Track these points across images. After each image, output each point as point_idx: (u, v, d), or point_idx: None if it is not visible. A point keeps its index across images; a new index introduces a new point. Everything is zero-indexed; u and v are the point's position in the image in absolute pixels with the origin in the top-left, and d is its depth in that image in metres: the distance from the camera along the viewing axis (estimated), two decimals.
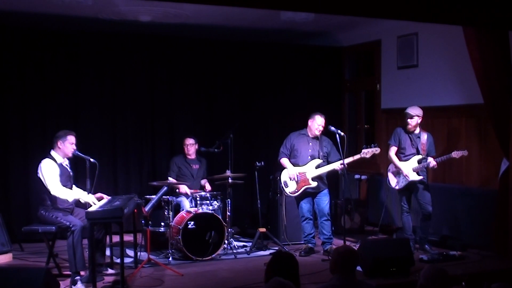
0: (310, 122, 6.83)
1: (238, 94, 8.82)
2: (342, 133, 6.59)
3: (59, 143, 5.77)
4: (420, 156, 6.76)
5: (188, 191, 7.21)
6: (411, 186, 6.86)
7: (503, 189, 6.63)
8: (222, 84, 8.69)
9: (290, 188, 6.88)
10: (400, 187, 6.91)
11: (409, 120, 6.78)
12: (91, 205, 5.65)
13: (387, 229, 7.84)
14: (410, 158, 6.82)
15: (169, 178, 7.24)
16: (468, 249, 6.87)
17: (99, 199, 5.92)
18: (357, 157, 6.72)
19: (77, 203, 5.88)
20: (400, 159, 6.89)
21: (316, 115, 6.79)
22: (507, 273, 5.94)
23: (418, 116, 6.78)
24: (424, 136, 6.81)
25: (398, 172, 6.90)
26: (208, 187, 7.55)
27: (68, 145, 5.77)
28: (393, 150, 6.95)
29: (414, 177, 6.76)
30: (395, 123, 8.31)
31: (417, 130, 6.84)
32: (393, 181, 6.97)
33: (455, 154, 6.59)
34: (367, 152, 6.69)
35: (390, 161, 7.01)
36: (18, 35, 7.52)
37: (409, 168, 6.77)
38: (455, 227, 7.29)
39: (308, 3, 5.43)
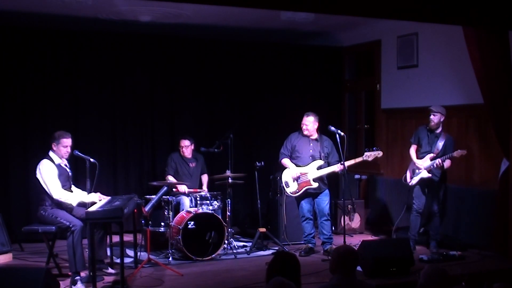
0: None
1: (238, 94, 8.81)
2: (342, 133, 6.59)
3: (53, 145, 5.77)
4: (432, 155, 6.77)
5: (187, 190, 7.20)
6: (423, 184, 6.86)
7: (503, 189, 6.63)
8: (222, 84, 8.68)
9: (291, 188, 6.88)
10: (412, 183, 6.93)
11: (431, 116, 6.79)
12: (92, 204, 5.66)
13: (387, 229, 7.83)
14: (424, 156, 6.85)
15: (168, 176, 7.26)
16: (468, 249, 6.88)
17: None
18: (359, 160, 6.73)
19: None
20: (417, 157, 6.94)
21: (305, 114, 6.83)
22: (507, 273, 5.95)
23: (441, 113, 6.78)
24: (443, 138, 6.79)
25: (413, 169, 6.94)
26: (205, 187, 7.52)
27: (61, 148, 5.75)
28: (412, 148, 7.02)
29: (424, 174, 6.79)
30: (395, 123, 8.34)
31: (439, 130, 6.83)
32: (408, 177, 7.01)
33: (456, 153, 6.60)
34: (369, 155, 6.70)
35: (410, 158, 7.07)
36: (18, 35, 7.52)
37: (422, 166, 6.81)
38: (455, 227, 7.29)
39: (308, 3, 5.43)
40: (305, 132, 6.84)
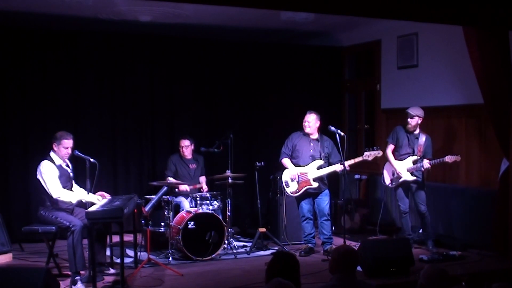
0: None
1: (238, 94, 8.81)
2: (342, 133, 6.60)
3: (54, 145, 5.77)
4: (415, 157, 6.81)
5: (188, 188, 7.20)
6: (404, 186, 6.89)
7: (503, 189, 6.63)
8: (222, 84, 8.68)
9: (291, 188, 6.88)
10: (393, 185, 6.96)
11: (409, 119, 6.83)
12: (92, 205, 5.65)
13: (387, 229, 7.84)
14: (406, 158, 6.88)
15: (168, 177, 7.24)
16: (468, 249, 6.88)
17: (101, 197, 5.92)
18: (359, 159, 6.74)
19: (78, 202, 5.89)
20: (395, 158, 6.94)
21: (307, 112, 6.84)
22: (507, 273, 5.95)
23: (419, 116, 6.82)
24: (423, 138, 6.86)
25: (393, 171, 6.94)
26: (204, 187, 7.51)
27: (62, 149, 5.74)
28: (389, 148, 7.03)
29: (408, 177, 6.82)
30: (395, 123, 8.29)
31: (417, 131, 6.89)
32: (387, 179, 7.04)
33: (448, 158, 6.63)
34: (369, 155, 6.71)
35: (386, 159, 7.05)
36: (18, 35, 7.52)
37: (403, 168, 6.82)
38: (455, 227, 7.29)
39: (308, 3, 5.44)
40: (307, 130, 6.83)
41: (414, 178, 6.80)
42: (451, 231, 7.31)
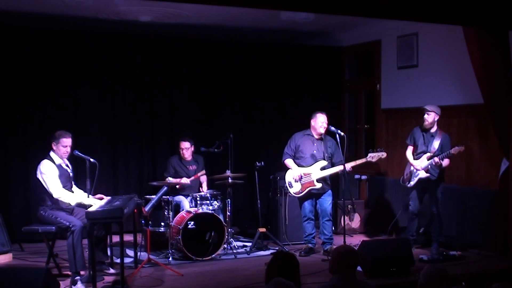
0: (313, 122, 6.81)
1: (238, 94, 8.81)
2: (342, 133, 6.59)
3: (53, 145, 5.77)
4: (429, 154, 6.75)
5: (189, 181, 7.20)
6: (421, 184, 6.85)
7: (503, 189, 6.63)
8: (222, 84, 8.68)
9: (295, 188, 6.87)
10: (411, 184, 6.92)
11: (425, 116, 6.78)
12: (91, 205, 5.66)
13: (387, 230, 7.83)
14: (421, 156, 6.83)
15: (168, 178, 7.24)
16: (468, 249, 6.88)
17: (99, 200, 5.91)
18: (362, 161, 6.72)
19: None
20: (414, 158, 6.92)
21: (318, 113, 6.78)
22: (507, 273, 5.95)
23: (435, 113, 6.76)
24: (439, 136, 6.78)
25: (412, 171, 6.92)
26: (204, 187, 7.50)
27: (61, 147, 5.74)
28: (409, 149, 7.00)
29: (422, 174, 6.77)
30: (395, 123, 8.34)
31: (434, 129, 6.82)
32: (407, 179, 6.99)
33: (454, 150, 6.59)
34: (373, 157, 6.69)
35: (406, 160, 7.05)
36: (18, 35, 7.52)
37: (419, 166, 6.79)
38: (455, 227, 7.28)
39: (308, 3, 5.44)
40: (322, 131, 6.76)
41: (428, 175, 6.74)
42: (451, 231, 7.30)
